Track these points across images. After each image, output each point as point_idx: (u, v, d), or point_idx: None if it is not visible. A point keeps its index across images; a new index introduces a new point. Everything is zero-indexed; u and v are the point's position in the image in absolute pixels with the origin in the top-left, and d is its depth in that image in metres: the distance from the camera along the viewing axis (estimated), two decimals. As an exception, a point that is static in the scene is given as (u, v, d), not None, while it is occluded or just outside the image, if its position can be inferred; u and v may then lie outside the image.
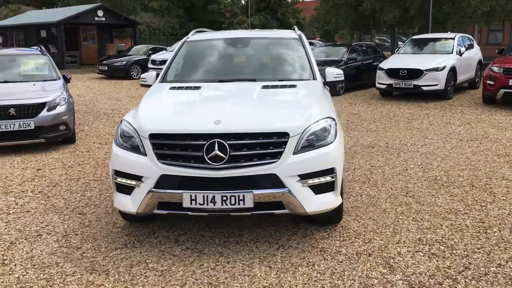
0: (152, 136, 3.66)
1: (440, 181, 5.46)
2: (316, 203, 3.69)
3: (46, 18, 23.97)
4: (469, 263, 3.53)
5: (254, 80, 4.68)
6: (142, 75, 5.15)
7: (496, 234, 4.02)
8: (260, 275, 3.38)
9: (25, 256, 3.77)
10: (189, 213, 3.62)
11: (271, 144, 3.57)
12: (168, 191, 3.58)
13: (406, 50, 13.90)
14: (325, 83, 4.91)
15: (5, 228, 4.33)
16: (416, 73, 11.91)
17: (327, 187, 3.74)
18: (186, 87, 4.51)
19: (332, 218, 4.16)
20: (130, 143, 3.78)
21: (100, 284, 3.31)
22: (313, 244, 3.88)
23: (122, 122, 3.97)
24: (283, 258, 3.65)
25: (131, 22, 26.18)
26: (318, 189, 3.70)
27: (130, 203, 3.74)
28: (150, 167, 3.62)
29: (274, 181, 3.54)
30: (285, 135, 3.58)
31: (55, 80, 8.26)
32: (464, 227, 4.17)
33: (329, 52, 15.50)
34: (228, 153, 3.50)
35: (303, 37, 5.30)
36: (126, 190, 3.77)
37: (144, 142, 3.68)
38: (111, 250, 3.84)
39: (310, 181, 3.65)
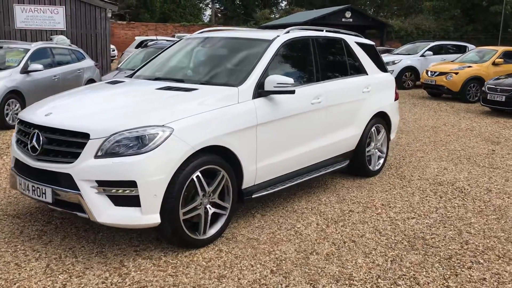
0: (18, 121, 4.04)
1: (427, 245, 4.02)
2: (111, 215, 3.41)
3: (299, 19, 25.92)
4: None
5: (182, 81, 4.47)
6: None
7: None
8: (49, 262, 3.41)
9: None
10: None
11: (74, 143, 3.49)
12: (14, 171, 3.92)
13: None
14: (262, 93, 4.23)
15: None
16: None
17: (129, 201, 3.40)
18: (113, 81, 4.66)
19: (170, 240, 3.72)
20: None
21: None
22: (136, 257, 3.58)
23: None
24: (91, 258, 3.53)
25: (379, 23, 25.76)
26: (117, 201, 3.42)
27: (13, 177, 4.22)
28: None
29: (70, 181, 3.45)
30: (86, 136, 3.43)
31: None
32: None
33: None
34: (41, 145, 3.60)
35: (278, 40, 4.63)
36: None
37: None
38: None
39: (112, 190, 3.40)
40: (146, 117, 3.55)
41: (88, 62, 11.20)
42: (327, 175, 5.34)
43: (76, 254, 3.64)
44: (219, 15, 55.94)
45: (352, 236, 4.12)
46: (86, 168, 3.39)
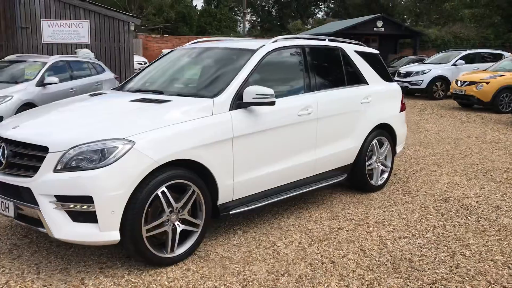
0: (-8, 134, 4.02)
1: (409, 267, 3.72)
2: (69, 231, 3.31)
3: (329, 29, 25.62)
4: None
5: (161, 92, 4.37)
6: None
7: None
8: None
9: None
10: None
11: (35, 157, 3.42)
12: (-14, 185, 3.88)
13: None
14: (241, 104, 4.06)
15: None
16: None
17: (87, 217, 3.29)
18: (94, 93, 4.61)
19: (136, 258, 3.58)
20: None
21: None
22: (92, 268, 3.47)
23: None
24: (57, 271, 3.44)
25: (412, 32, 25.10)
26: (75, 217, 3.31)
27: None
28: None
29: (30, 196, 3.38)
30: (45, 149, 3.35)
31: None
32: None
33: None
34: (5, 159, 3.55)
35: (262, 50, 4.46)
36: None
37: None
38: None
39: (70, 205, 3.30)
40: (107, 130, 3.45)
41: (107, 75, 11.34)
42: (320, 189, 5.09)
43: (40, 270, 3.56)
44: (258, 27, 56.30)
45: (333, 256, 3.86)
46: (45, 182, 3.31)
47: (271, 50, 4.53)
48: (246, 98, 4.01)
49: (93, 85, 10.58)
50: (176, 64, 4.91)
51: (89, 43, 13.98)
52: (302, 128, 4.59)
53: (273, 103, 4.06)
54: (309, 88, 4.77)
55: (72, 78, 10.07)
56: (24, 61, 9.97)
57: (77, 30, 13.71)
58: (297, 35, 5.13)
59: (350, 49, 5.49)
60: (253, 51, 4.44)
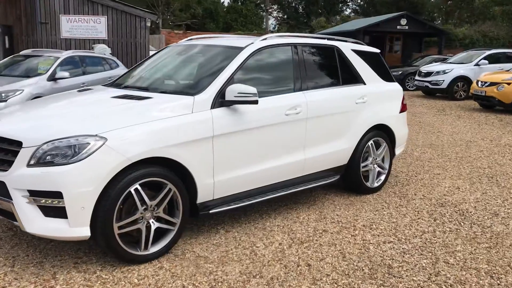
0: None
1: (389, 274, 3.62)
2: (40, 226, 3.33)
3: (352, 26, 25.28)
4: None
5: (147, 89, 4.36)
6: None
7: None
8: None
9: None
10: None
11: (10, 151, 3.46)
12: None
13: None
14: (224, 103, 4.01)
15: None
16: None
17: (57, 213, 3.31)
18: (81, 89, 4.64)
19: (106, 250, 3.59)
20: None
21: None
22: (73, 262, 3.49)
23: None
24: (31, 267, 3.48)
25: (438, 31, 24.53)
26: (47, 211, 3.33)
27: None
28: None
29: (5, 189, 3.42)
30: (19, 144, 3.39)
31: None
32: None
33: None
34: (-15, 153, 3.60)
35: (250, 48, 4.40)
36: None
37: None
38: None
39: (41, 200, 3.32)
40: (80, 126, 3.45)
41: (121, 71, 11.43)
42: (314, 190, 5.02)
43: (15, 263, 3.60)
44: (285, 23, 56.00)
45: (310, 259, 3.78)
46: (18, 177, 3.34)
47: (260, 48, 4.47)
48: (229, 96, 3.97)
49: (106, 80, 10.68)
50: (166, 61, 4.90)
51: (106, 38, 14.16)
52: (290, 128, 4.52)
53: (255, 102, 4.00)
54: (299, 87, 4.69)
55: (84, 73, 10.20)
56: (39, 56, 10.16)
57: (94, 26, 13.91)
58: (292, 34, 5.05)
59: (347, 48, 5.37)
60: (240, 49, 4.39)
